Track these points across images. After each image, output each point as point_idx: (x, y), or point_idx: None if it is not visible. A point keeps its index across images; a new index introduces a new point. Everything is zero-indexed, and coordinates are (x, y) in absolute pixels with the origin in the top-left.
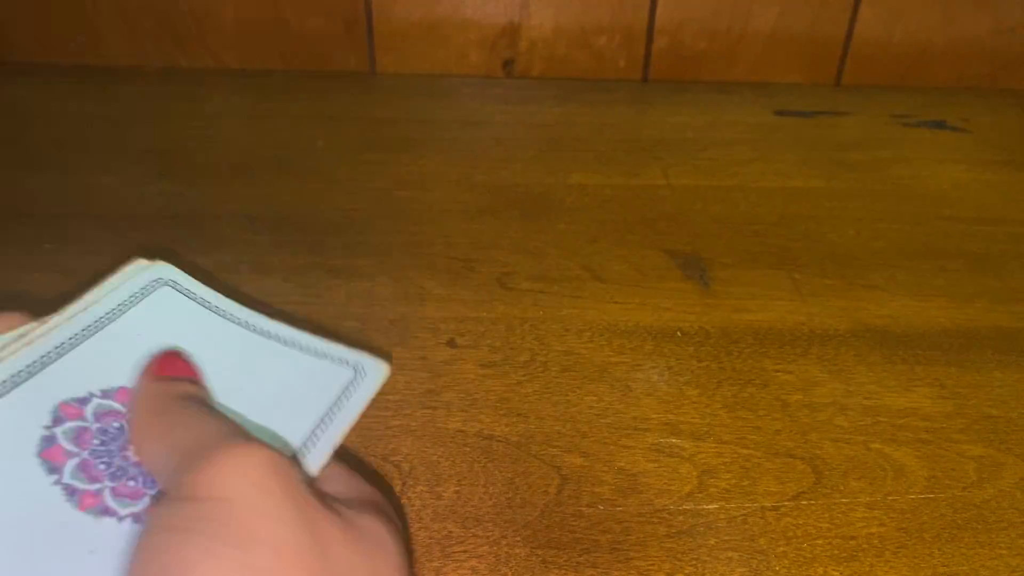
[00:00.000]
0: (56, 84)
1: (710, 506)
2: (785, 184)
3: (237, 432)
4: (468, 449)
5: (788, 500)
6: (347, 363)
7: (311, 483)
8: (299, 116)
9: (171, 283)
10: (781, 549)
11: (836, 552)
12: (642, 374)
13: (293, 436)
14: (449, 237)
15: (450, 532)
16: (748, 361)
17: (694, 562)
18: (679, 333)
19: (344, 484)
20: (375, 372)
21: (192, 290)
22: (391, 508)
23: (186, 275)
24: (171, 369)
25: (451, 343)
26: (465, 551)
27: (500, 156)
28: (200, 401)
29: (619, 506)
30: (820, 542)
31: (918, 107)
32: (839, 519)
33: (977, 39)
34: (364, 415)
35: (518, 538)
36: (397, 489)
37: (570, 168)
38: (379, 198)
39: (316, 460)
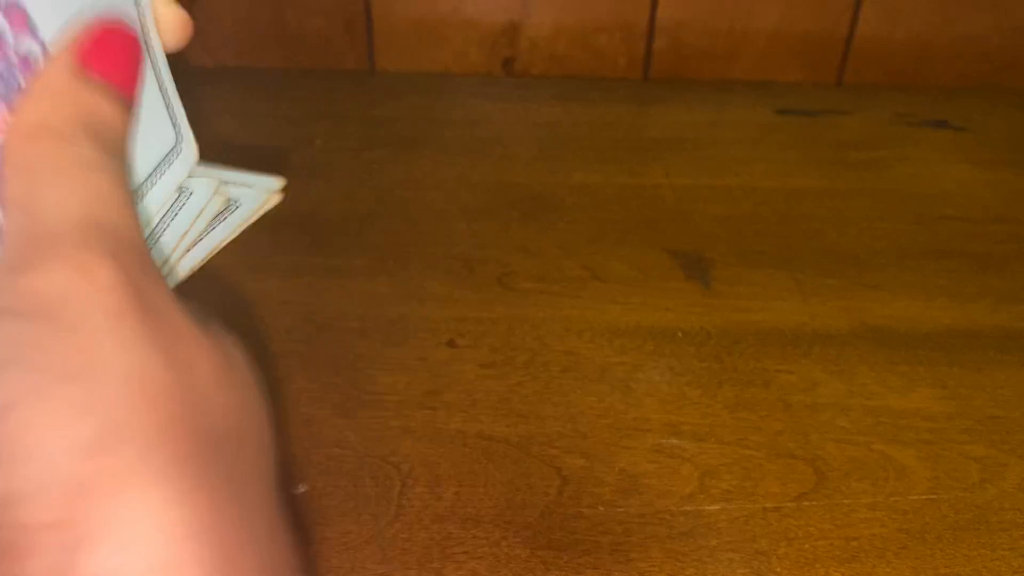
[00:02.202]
0: None
1: (711, 507)
2: (787, 183)
3: (107, 225)
4: (468, 450)
5: (790, 501)
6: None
7: (177, 298)
8: (298, 115)
9: None
10: (783, 550)
11: (838, 553)
12: (643, 374)
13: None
14: (449, 237)
15: (450, 533)
16: (750, 361)
17: (695, 563)
18: (680, 333)
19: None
20: (260, 191)
21: None
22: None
23: None
24: (103, 63)
25: (451, 343)
26: (465, 552)
27: (500, 155)
28: (107, 139)
29: (620, 507)
30: (822, 543)
31: (920, 106)
32: (841, 520)
33: (979, 38)
34: (363, 415)
35: (518, 539)
36: (397, 490)
37: (570, 167)
38: (379, 198)
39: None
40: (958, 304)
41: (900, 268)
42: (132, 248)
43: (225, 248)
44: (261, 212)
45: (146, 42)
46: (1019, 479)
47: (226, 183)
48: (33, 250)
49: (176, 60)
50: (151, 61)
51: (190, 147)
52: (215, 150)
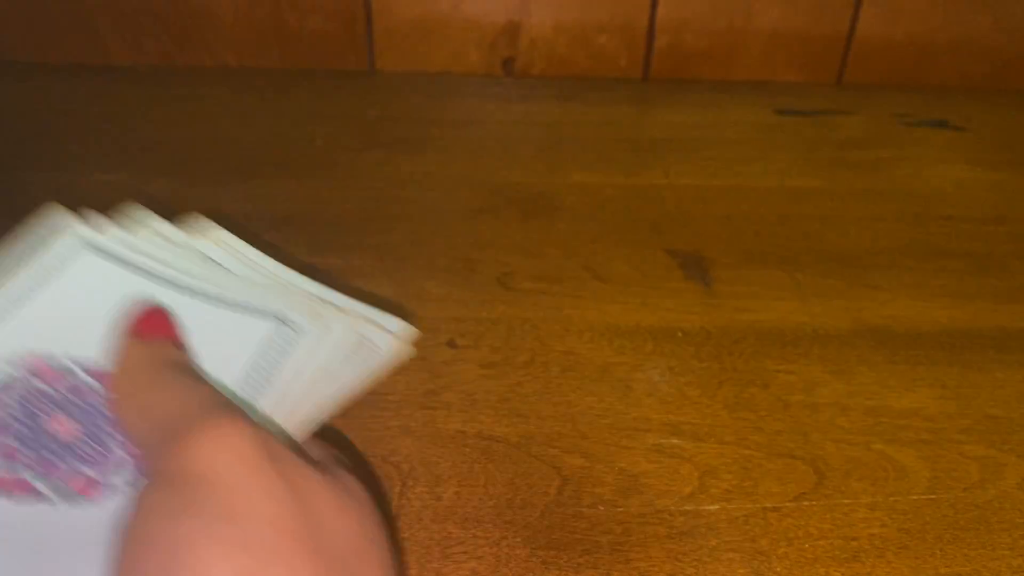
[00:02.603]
0: (55, 83)
1: (711, 507)
2: (786, 183)
3: (220, 403)
4: (468, 450)
5: (789, 501)
6: (329, 324)
7: (293, 447)
8: (298, 115)
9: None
10: (782, 550)
11: (838, 553)
12: (643, 374)
13: (267, 402)
14: (449, 237)
15: (450, 533)
16: (749, 361)
17: (695, 563)
18: (680, 333)
19: (313, 447)
20: (391, 338)
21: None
22: (350, 463)
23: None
24: (153, 329)
25: (451, 343)
26: (465, 552)
27: (500, 155)
28: (184, 368)
29: (620, 507)
30: (822, 543)
31: (920, 106)
32: (841, 520)
33: (979, 38)
34: (363, 415)
35: (518, 539)
36: (397, 490)
37: (571, 167)
38: (379, 197)
39: (300, 426)
40: (958, 304)
41: (900, 268)
42: (244, 414)
43: None
44: (394, 361)
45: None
46: (1019, 479)
47: (362, 318)
48: (174, 431)
49: (175, 59)
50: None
51: (301, 320)
52: (216, 150)
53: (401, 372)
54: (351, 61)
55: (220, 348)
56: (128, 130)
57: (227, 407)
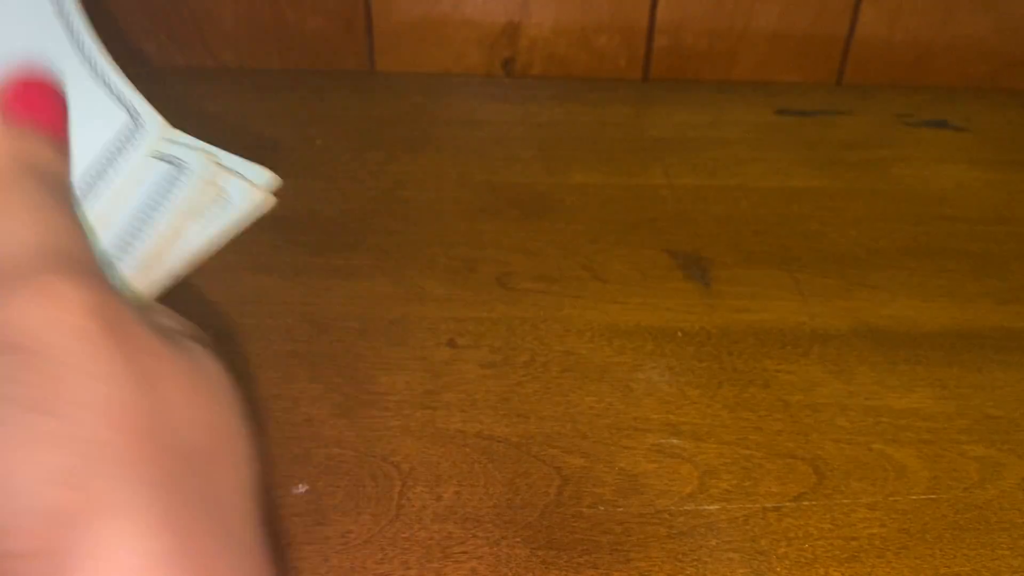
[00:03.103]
0: None
1: (711, 507)
2: (786, 184)
3: (63, 252)
4: (468, 450)
5: (789, 501)
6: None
7: (144, 316)
8: (298, 115)
9: None
10: (782, 550)
11: (837, 553)
12: (643, 374)
13: (107, 228)
14: (449, 237)
15: (450, 533)
16: (749, 361)
17: (695, 563)
18: (680, 333)
19: (165, 315)
20: (251, 189)
21: None
22: (211, 342)
23: None
24: (32, 108)
25: (451, 343)
26: (465, 552)
27: (500, 156)
28: (47, 179)
29: (620, 507)
30: (821, 543)
31: (920, 106)
32: (840, 520)
33: (979, 38)
34: (363, 415)
35: (518, 539)
36: (397, 490)
37: (570, 168)
38: (379, 198)
39: (153, 280)
40: (958, 304)
41: (900, 268)
42: (90, 270)
43: (225, 248)
44: (255, 214)
45: (70, 27)
46: (1018, 478)
47: (219, 166)
48: None
49: (174, 59)
50: (78, 46)
51: (152, 120)
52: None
53: (401, 372)
54: (351, 61)
55: (74, 126)
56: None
57: (71, 259)
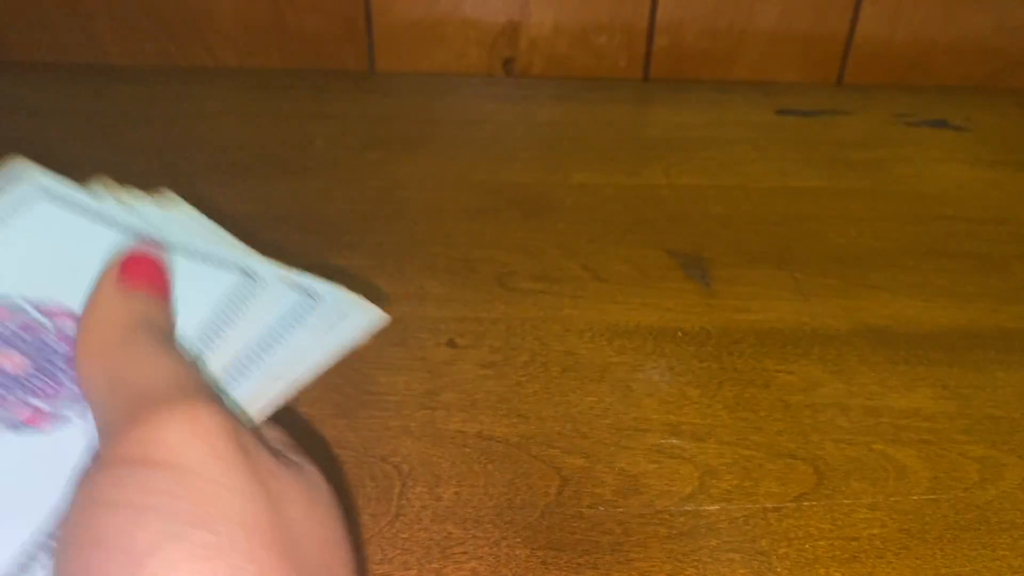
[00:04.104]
0: (54, 83)
1: (711, 507)
2: (786, 183)
3: (195, 383)
4: (468, 450)
5: (790, 501)
6: (307, 293)
7: (260, 437)
8: (298, 115)
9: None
10: (783, 550)
11: (838, 553)
12: (643, 374)
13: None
14: (449, 237)
15: (450, 533)
16: (749, 361)
17: (695, 563)
18: (680, 333)
19: (269, 432)
20: (361, 313)
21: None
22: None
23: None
24: (139, 276)
25: (451, 343)
26: (465, 552)
27: (500, 155)
28: (161, 331)
29: (620, 507)
30: (822, 543)
31: (920, 106)
32: (841, 520)
33: (979, 38)
34: (363, 415)
35: (518, 539)
36: (397, 490)
37: (570, 167)
38: (379, 198)
39: (259, 404)
40: (958, 304)
41: (900, 268)
42: (217, 399)
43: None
44: (364, 332)
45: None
46: (1019, 479)
47: (334, 295)
48: (139, 412)
49: (175, 59)
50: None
51: (267, 274)
52: (216, 150)
53: (401, 372)
54: (351, 61)
55: (181, 299)
56: (127, 130)
57: (202, 389)
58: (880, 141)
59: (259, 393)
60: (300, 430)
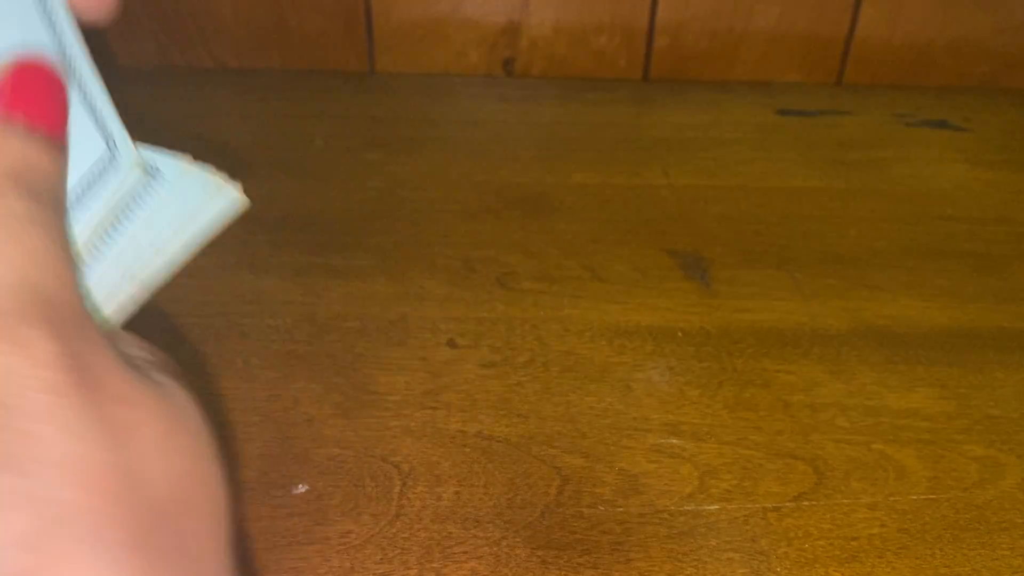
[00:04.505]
0: None
1: (711, 507)
2: (786, 184)
3: (45, 283)
4: (468, 450)
5: (789, 501)
6: (158, 172)
7: (115, 356)
8: (298, 115)
9: None
10: (782, 550)
11: (838, 553)
12: (643, 374)
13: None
14: (449, 237)
15: (450, 533)
16: (749, 361)
17: (695, 563)
18: (680, 333)
19: (135, 344)
20: (220, 196)
21: None
22: (180, 369)
23: None
24: (26, 104)
25: (451, 343)
26: (465, 552)
27: (500, 156)
28: (39, 190)
29: (620, 507)
30: (822, 543)
31: (920, 106)
32: (840, 520)
33: (979, 38)
34: (363, 415)
35: (518, 539)
36: (397, 490)
37: (570, 168)
38: (379, 198)
39: (114, 304)
40: (958, 304)
41: (900, 268)
42: (71, 311)
43: (225, 248)
44: (225, 218)
45: (58, 35)
46: (1018, 479)
47: (190, 172)
48: None
49: (175, 59)
50: (65, 58)
51: (127, 152)
52: (215, 150)
53: (401, 372)
54: (351, 61)
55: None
56: (127, 130)
57: (48, 300)
58: (880, 141)
59: (113, 291)
60: (300, 430)
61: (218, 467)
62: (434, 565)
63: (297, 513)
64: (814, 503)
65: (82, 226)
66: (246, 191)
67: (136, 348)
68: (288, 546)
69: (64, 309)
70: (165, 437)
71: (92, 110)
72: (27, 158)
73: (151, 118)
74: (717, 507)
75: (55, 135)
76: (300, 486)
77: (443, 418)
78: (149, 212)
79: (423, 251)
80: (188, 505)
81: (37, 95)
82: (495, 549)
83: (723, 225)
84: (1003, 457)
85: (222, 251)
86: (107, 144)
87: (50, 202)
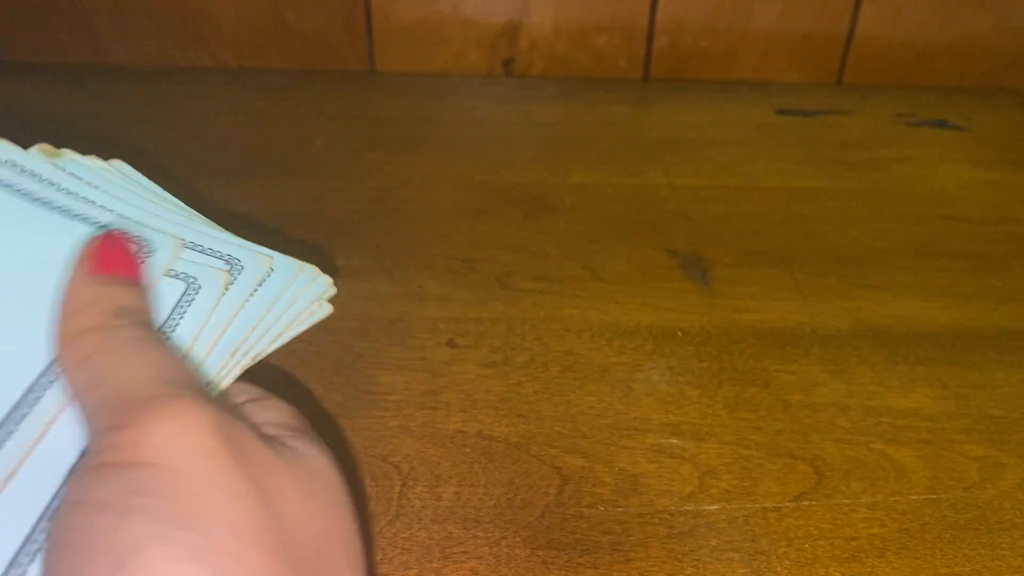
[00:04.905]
0: (54, 83)
1: (711, 507)
2: (786, 183)
3: (181, 377)
4: (468, 450)
5: (789, 501)
6: (263, 263)
7: (252, 426)
8: (298, 115)
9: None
10: (782, 550)
11: (838, 553)
12: (643, 374)
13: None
14: (449, 237)
15: (450, 533)
16: (749, 361)
17: (695, 563)
18: (680, 333)
19: (271, 409)
20: (319, 282)
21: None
22: (313, 428)
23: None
24: (112, 263)
25: (451, 343)
26: (465, 552)
27: (500, 156)
28: (141, 320)
29: (620, 507)
30: (822, 543)
31: (920, 106)
32: (840, 520)
33: (979, 38)
34: (363, 415)
35: (518, 539)
36: (397, 490)
37: (570, 167)
38: (379, 198)
39: (235, 372)
40: (958, 304)
41: (900, 268)
42: (204, 393)
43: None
44: (319, 301)
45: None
46: (1018, 479)
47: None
48: (124, 411)
49: (175, 59)
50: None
51: (252, 263)
52: (216, 150)
53: (401, 372)
54: (351, 61)
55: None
56: (127, 130)
57: (187, 382)
58: (880, 141)
59: (226, 369)
60: None
61: (353, 521)
62: (434, 565)
63: None
64: (814, 503)
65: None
66: (246, 190)
67: (273, 417)
68: None
69: (199, 390)
70: (304, 499)
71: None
72: (121, 298)
73: (151, 118)
74: (717, 507)
75: (135, 278)
76: None
77: (443, 418)
78: (260, 299)
79: (423, 251)
80: (330, 557)
81: (115, 253)
82: (495, 549)
83: (723, 225)
84: (1003, 457)
85: None
86: (228, 264)
87: (149, 324)
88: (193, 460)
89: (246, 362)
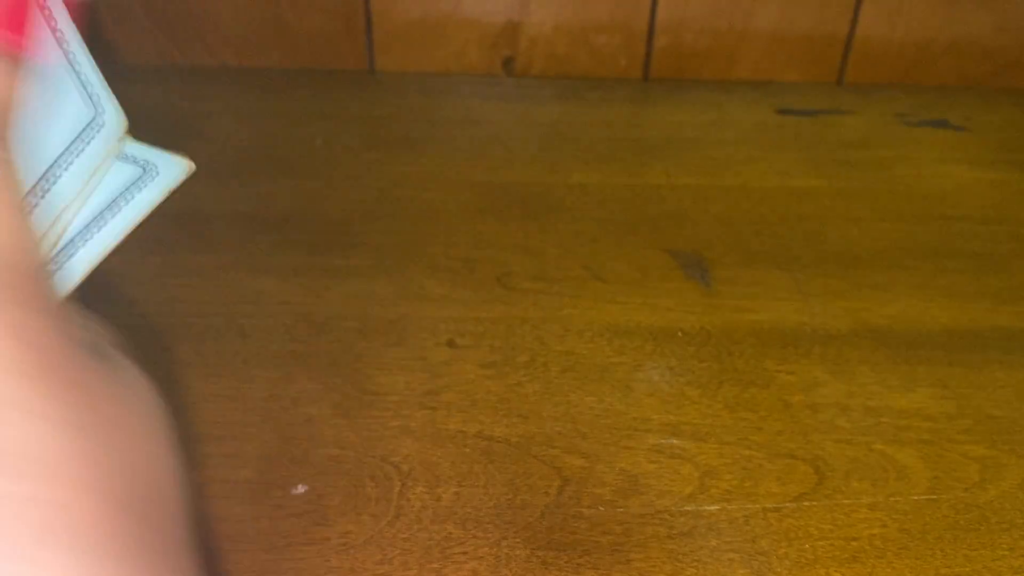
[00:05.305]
0: None
1: (711, 507)
2: (787, 183)
3: (4, 260)
4: (468, 450)
5: (790, 501)
6: (137, 161)
7: (73, 328)
8: (298, 115)
9: None
10: (783, 550)
11: (838, 553)
12: (643, 374)
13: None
14: (449, 237)
15: (450, 533)
16: (750, 361)
17: (695, 563)
18: (680, 333)
19: (90, 320)
20: (170, 169)
21: None
22: (124, 342)
23: None
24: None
25: (451, 343)
26: (465, 553)
27: (500, 155)
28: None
29: (620, 507)
30: (822, 543)
31: (920, 106)
32: (841, 520)
33: (980, 38)
34: (363, 415)
35: (518, 539)
36: (397, 490)
37: (570, 167)
38: (379, 197)
39: (74, 274)
40: (958, 304)
41: (900, 268)
42: (29, 285)
43: (224, 248)
44: (170, 188)
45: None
46: (1019, 479)
47: (129, 155)
48: None
49: (174, 58)
50: (52, 26)
51: (114, 120)
52: (216, 150)
53: (401, 372)
54: (351, 61)
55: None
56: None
57: (8, 269)
58: (881, 141)
59: (66, 251)
60: (299, 430)
61: (174, 450)
62: (434, 566)
63: (296, 514)
64: (814, 503)
65: (68, 190)
66: (247, 191)
67: (84, 325)
68: (287, 547)
69: (24, 281)
70: (126, 423)
71: (76, 71)
72: None
73: (151, 118)
74: (717, 507)
75: (16, 47)
76: (299, 486)
77: (443, 418)
78: (106, 181)
79: (423, 251)
80: (151, 492)
81: (19, 16)
82: (495, 550)
83: (723, 225)
84: (1004, 457)
85: (221, 251)
86: (93, 109)
87: (2, 164)
88: None
89: (89, 255)
